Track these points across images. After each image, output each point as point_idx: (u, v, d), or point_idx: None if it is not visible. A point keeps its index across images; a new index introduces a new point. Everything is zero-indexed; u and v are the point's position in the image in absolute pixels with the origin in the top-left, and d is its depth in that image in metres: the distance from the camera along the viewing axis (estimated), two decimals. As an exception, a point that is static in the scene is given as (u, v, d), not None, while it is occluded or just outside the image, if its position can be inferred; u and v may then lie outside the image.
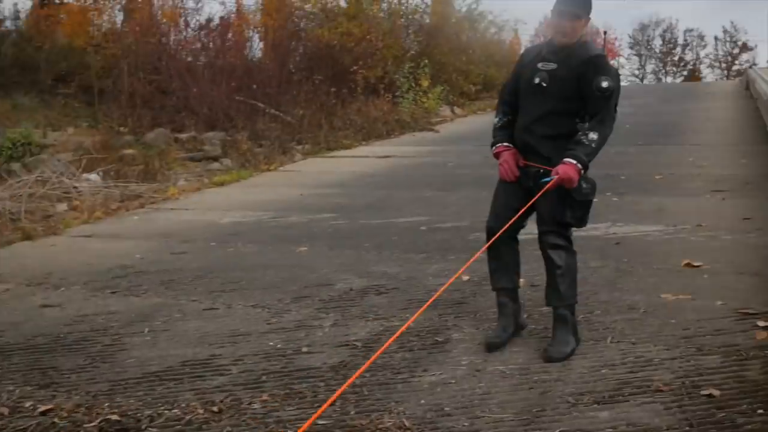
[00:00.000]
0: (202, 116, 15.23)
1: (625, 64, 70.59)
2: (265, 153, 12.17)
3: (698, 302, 4.17)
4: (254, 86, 15.81)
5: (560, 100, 3.45)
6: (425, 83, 16.77)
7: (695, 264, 4.87)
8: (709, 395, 3.03)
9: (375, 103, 15.11)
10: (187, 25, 17.51)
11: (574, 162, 3.32)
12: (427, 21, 20.75)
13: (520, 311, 3.81)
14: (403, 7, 20.08)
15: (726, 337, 3.65)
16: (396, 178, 9.36)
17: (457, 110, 19.22)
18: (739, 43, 63.27)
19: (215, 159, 12.61)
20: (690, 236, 5.67)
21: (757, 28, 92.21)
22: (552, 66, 3.47)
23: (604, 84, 3.34)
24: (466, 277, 4.87)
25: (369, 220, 6.88)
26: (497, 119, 3.73)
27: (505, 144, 3.63)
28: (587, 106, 3.40)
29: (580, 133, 3.38)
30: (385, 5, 20.19)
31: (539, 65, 3.51)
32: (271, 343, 3.88)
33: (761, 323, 3.78)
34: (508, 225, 3.49)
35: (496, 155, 3.66)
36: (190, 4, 18.99)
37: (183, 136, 14.67)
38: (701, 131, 12.41)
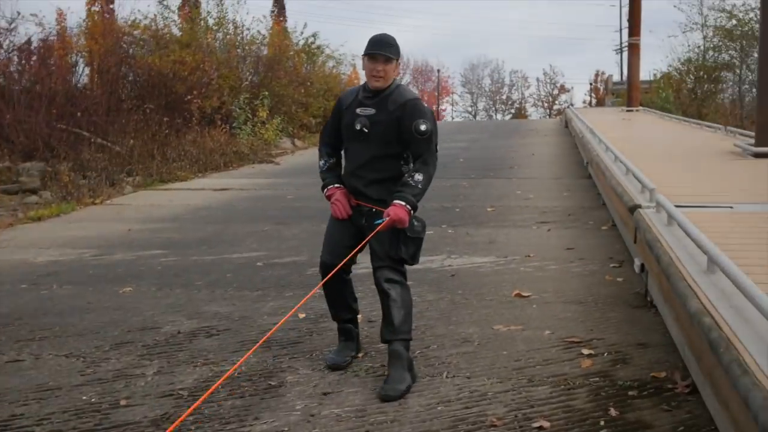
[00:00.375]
0: (19, 145, 14.03)
1: (459, 101, 74.45)
2: (90, 185, 11.38)
3: (528, 332, 4.27)
4: (78, 114, 14.83)
5: (382, 145, 3.56)
6: (263, 114, 16.54)
7: (524, 294, 5.02)
8: (540, 427, 3.05)
9: (211, 134, 14.65)
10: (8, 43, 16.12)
11: (404, 203, 3.44)
12: (265, 52, 20.60)
13: (359, 336, 3.98)
14: (239, 38, 19.78)
15: (554, 366, 3.74)
16: (232, 212, 9.05)
17: (298, 142, 19.17)
18: (558, 85, 68.75)
19: (33, 192, 11.63)
20: (519, 267, 5.88)
21: (572, 72, 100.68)
22: (370, 111, 3.57)
23: (423, 127, 3.49)
24: (302, 315, 4.72)
25: (202, 257, 6.55)
26: (322, 162, 3.83)
27: (336, 185, 3.73)
28: (410, 148, 3.55)
29: (406, 175, 3.52)
30: (220, 35, 19.81)
31: (358, 110, 3.60)
32: (85, 397, 3.49)
33: (585, 351, 3.93)
34: (344, 261, 3.61)
35: (328, 197, 3.74)
36: (2, 23, 17.40)
37: (-4, 166, 13.42)
38: (527, 165, 13.14)
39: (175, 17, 20.03)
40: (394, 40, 3.60)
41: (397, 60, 3.59)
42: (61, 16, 20.43)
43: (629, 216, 5.08)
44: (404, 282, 3.66)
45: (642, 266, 4.81)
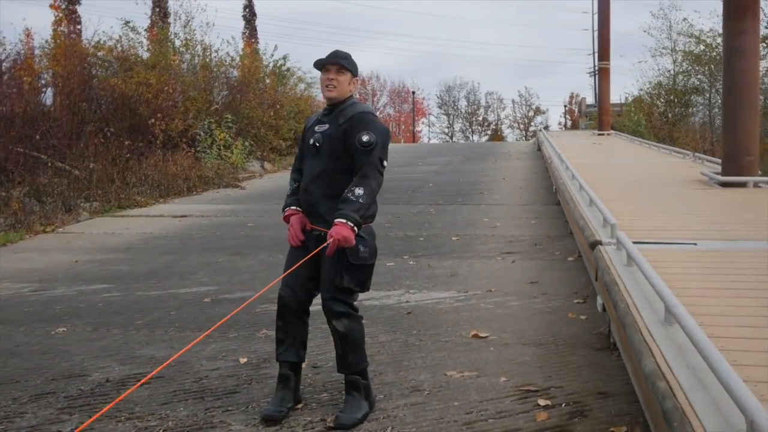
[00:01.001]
0: (-27, 168, 13.57)
1: (435, 123, 74.71)
2: (45, 212, 10.97)
3: (483, 379, 4.00)
4: (37, 137, 14.41)
5: (332, 159, 3.49)
6: (222, 137, 16.20)
7: (482, 335, 4.75)
8: (487, 497, 2.77)
9: (174, 158, 14.29)
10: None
11: (344, 221, 3.30)
12: (235, 74, 20.32)
13: (299, 385, 3.70)
14: (206, 60, 19.48)
15: (508, 420, 3.46)
16: (189, 241, 8.71)
17: (267, 165, 18.86)
18: (533, 107, 69.30)
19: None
20: (480, 302, 5.62)
21: (547, 94, 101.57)
22: (324, 127, 3.55)
23: (365, 138, 3.40)
24: (243, 360, 4.41)
25: (147, 291, 6.21)
26: (289, 186, 3.76)
27: (293, 208, 3.62)
28: (354, 161, 3.44)
29: (346, 190, 3.39)
30: (188, 56, 19.51)
31: (316, 128, 3.59)
32: (-13, 463, 3.15)
33: (542, 401, 3.65)
34: (280, 278, 3.52)
35: (286, 219, 3.65)
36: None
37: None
38: (497, 190, 12.95)
39: (143, 39, 19.73)
40: (349, 55, 3.59)
41: (352, 73, 3.56)
42: (28, 36, 20.08)
43: (590, 251, 4.84)
44: (352, 312, 3.49)
45: (604, 306, 4.56)
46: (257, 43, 30.59)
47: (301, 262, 3.43)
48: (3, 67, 16.66)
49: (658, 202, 7.14)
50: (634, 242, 4.36)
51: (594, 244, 4.75)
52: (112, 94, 16.25)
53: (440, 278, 6.49)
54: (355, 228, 3.30)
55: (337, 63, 3.50)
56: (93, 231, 9.54)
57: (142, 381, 3.34)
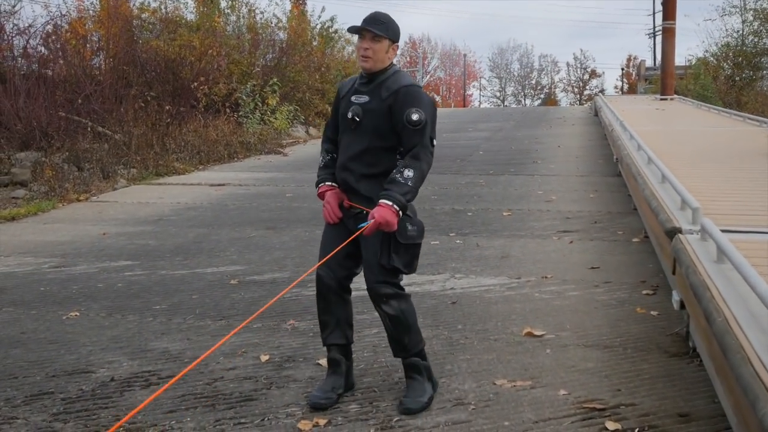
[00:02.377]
0: (16, 133, 13.39)
1: (487, 86, 73.14)
2: (83, 178, 10.68)
3: (538, 391, 3.41)
4: (79, 101, 14.14)
5: (375, 136, 3.21)
6: (272, 102, 15.69)
7: (537, 333, 4.14)
8: None
9: (215, 124, 13.85)
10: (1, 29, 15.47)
11: (390, 203, 3.05)
12: (281, 36, 19.74)
13: (352, 369, 3.49)
14: (252, 22, 18.93)
15: (569, 450, 2.88)
16: (222, 212, 8.26)
17: (313, 130, 18.35)
18: (589, 70, 67.11)
19: (24, 185, 10.97)
20: (534, 291, 4.99)
21: (603, 56, 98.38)
22: (364, 99, 3.24)
23: (414, 116, 3.12)
24: (265, 357, 3.91)
25: (172, 270, 5.76)
26: (321, 158, 3.50)
27: (328, 183, 3.37)
28: (401, 139, 3.18)
29: (395, 171, 3.14)
30: (233, 18, 18.98)
31: (353, 98, 3.28)
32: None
33: (610, 425, 3.05)
34: (321, 261, 3.26)
35: (321, 196, 3.39)
36: (5, 6, 16.75)
37: (-10, 156, 12.79)
38: (553, 160, 12.17)
39: (189, 0, 19.25)
40: (387, 17, 3.23)
41: (391, 40, 3.20)
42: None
43: (666, 240, 4.16)
44: (401, 293, 3.26)
45: (682, 303, 3.90)
46: (305, 4, 29.88)
47: (341, 246, 3.19)
48: (48, 30, 16.45)
49: (738, 178, 6.33)
50: (721, 230, 3.68)
51: (672, 232, 4.06)
52: (155, 57, 15.88)
53: (490, 260, 5.87)
54: (400, 212, 3.07)
55: (372, 31, 3.13)
56: (127, 200, 9.18)
57: (157, 393, 2.86)
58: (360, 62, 3.23)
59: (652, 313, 4.46)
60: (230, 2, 19.54)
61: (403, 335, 3.26)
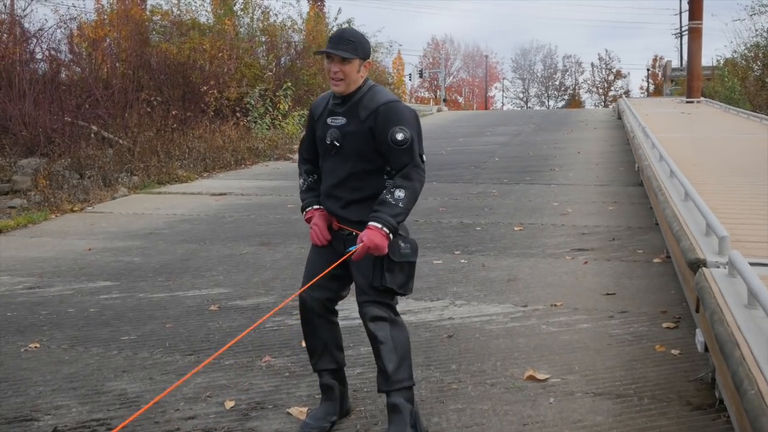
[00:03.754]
0: (21, 138, 13.14)
1: (510, 87, 72.39)
2: (83, 186, 10.36)
3: (536, 455, 2.92)
4: (86, 105, 13.87)
5: (358, 159, 3.01)
6: (284, 107, 15.30)
7: (540, 377, 3.65)
8: None
9: (222, 129, 13.47)
10: (20, 31, 15.27)
11: (380, 226, 2.89)
12: (296, 39, 19.37)
13: (347, 394, 3.31)
14: (266, 24, 18.57)
15: None
16: (217, 226, 7.84)
17: (325, 135, 17.94)
18: (614, 71, 66.10)
19: (25, 192, 10.68)
20: (541, 323, 4.50)
21: (629, 57, 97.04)
22: (341, 121, 3.04)
23: (399, 136, 2.93)
24: (230, 403, 3.47)
25: (151, 293, 5.35)
26: (301, 181, 3.30)
27: (315, 207, 3.18)
28: (389, 160, 2.98)
29: (384, 191, 2.96)
30: (246, 20, 18.65)
31: (329, 120, 3.07)
32: None
33: (619, 504, 2.56)
34: (303, 288, 3.08)
35: (307, 220, 3.20)
36: (18, 11, 16.57)
37: (-6, 162, 12.54)
38: (571, 167, 11.61)
39: (205, 2, 18.94)
40: (356, 35, 3.03)
41: (362, 59, 2.99)
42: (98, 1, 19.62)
43: (690, 271, 3.64)
44: (394, 318, 3.06)
45: (706, 346, 3.39)
46: (323, 5, 29.52)
47: (327, 270, 3.02)
48: (59, 34, 16.26)
49: (770, 194, 5.77)
50: (752, 263, 3.17)
51: (695, 264, 3.54)
52: (164, 61, 15.58)
53: (495, 284, 5.38)
54: (391, 235, 2.91)
55: (340, 53, 2.91)
56: (122, 211, 8.81)
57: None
58: (332, 86, 3.01)
59: (672, 352, 3.94)
60: (243, 4, 19.24)
61: (389, 363, 3.01)
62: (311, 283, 3.05)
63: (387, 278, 2.96)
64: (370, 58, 3.08)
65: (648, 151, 8.20)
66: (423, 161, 3.00)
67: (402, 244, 2.98)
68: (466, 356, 3.99)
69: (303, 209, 3.22)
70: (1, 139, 13.35)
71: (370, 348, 4.04)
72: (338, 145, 3.02)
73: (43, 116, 13.28)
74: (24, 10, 17.43)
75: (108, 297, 5.28)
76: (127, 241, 7.16)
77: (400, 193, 2.92)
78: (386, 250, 2.91)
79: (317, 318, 3.13)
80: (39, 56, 15.40)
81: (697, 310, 3.46)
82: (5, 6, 16.31)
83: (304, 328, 3.18)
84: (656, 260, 5.87)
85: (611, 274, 5.54)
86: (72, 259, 6.47)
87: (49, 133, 12.99)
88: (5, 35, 16.13)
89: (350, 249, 2.94)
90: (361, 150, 2.99)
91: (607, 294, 5.03)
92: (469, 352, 4.06)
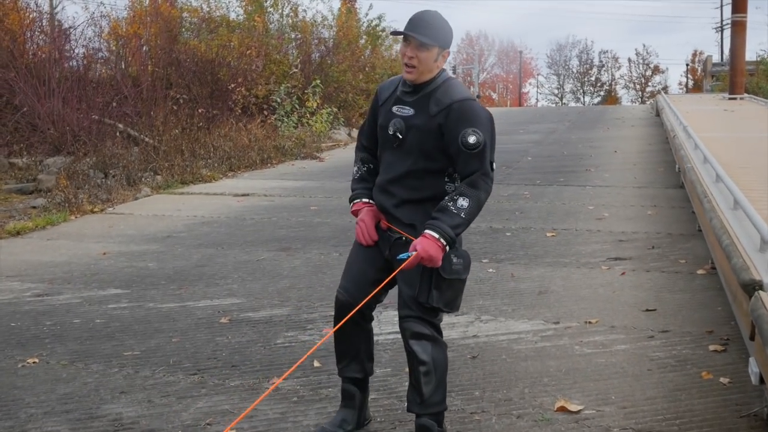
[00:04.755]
0: (49, 137, 13.10)
1: (545, 83, 71.39)
2: (106, 186, 10.21)
3: (567, 505, 2.58)
4: (113, 104, 13.77)
5: (420, 156, 2.77)
6: (312, 104, 15.03)
7: (573, 409, 3.29)
8: None
9: (248, 128, 13.25)
10: (55, 29, 15.28)
11: (437, 236, 2.65)
12: (325, 35, 19.10)
13: (367, 403, 3.13)
14: (294, 20, 18.34)
15: None
16: (237, 229, 7.58)
17: (355, 133, 17.64)
18: (651, 66, 64.73)
19: (48, 191, 10.57)
20: (574, 343, 4.13)
21: (667, 52, 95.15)
22: (408, 111, 2.79)
23: (472, 139, 2.68)
24: (230, 434, 3.17)
25: (160, 303, 5.10)
26: (355, 169, 3.06)
27: (364, 200, 2.96)
28: (455, 164, 2.74)
29: (447, 197, 2.71)
30: (276, 16, 18.43)
31: (394, 109, 2.82)
32: None
33: None
34: (357, 307, 2.84)
35: (355, 213, 2.98)
36: (45, 7, 16.62)
37: (21, 161, 12.51)
38: (607, 167, 11.14)
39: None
40: (437, 19, 2.74)
41: (441, 47, 2.73)
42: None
43: (743, 294, 3.25)
44: (438, 338, 2.85)
45: (761, 377, 3.01)
46: (355, 1, 29.22)
47: (378, 288, 2.82)
48: (91, 32, 16.23)
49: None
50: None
51: (750, 286, 3.15)
52: (193, 58, 15.44)
53: (525, 297, 5.02)
54: (447, 247, 2.67)
55: (418, 38, 2.68)
56: (142, 212, 8.62)
57: None
58: (404, 72, 2.77)
59: (721, 380, 3.55)
60: (273, 0, 19.02)
61: (426, 385, 2.81)
62: (358, 306, 2.83)
63: (434, 296, 2.74)
64: (448, 48, 2.79)
65: (690, 153, 7.74)
66: (493, 169, 2.76)
67: (454, 260, 2.74)
68: (491, 381, 3.65)
69: (351, 200, 3.01)
70: (30, 138, 13.34)
71: (386, 369, 3.77)
72: (401, 137, 2.79)
73: (71, 114, 13.22)
74: (55, 8, 17.48)
75: (116, 307, 5.04)
76: (144, 245, 6.94)
77: (463, 202, 2.67)
78: (440, 263, 2.67)
79: (352, 323, 2.90)
80: (70, 54, 15.38)
81: (752, 338, 3.07)
82: (36, 4, 16.35)
83: (336, 332, 2.97)
84: (700, 271, 5.45)
85: (651, 287, 5.14)
86: (85, 264, 6.26)
87: (76, 131, 12.92)
88: (37, 33, 16.17)
89: (401, 257, 2.70)
90: (426, 147, 2.75)
91: (647, 310, 4.64)
92: (494, 376, 3.71)
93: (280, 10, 18.82)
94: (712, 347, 3.98)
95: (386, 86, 2.95)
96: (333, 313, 3.02)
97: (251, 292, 5.31)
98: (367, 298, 2.83)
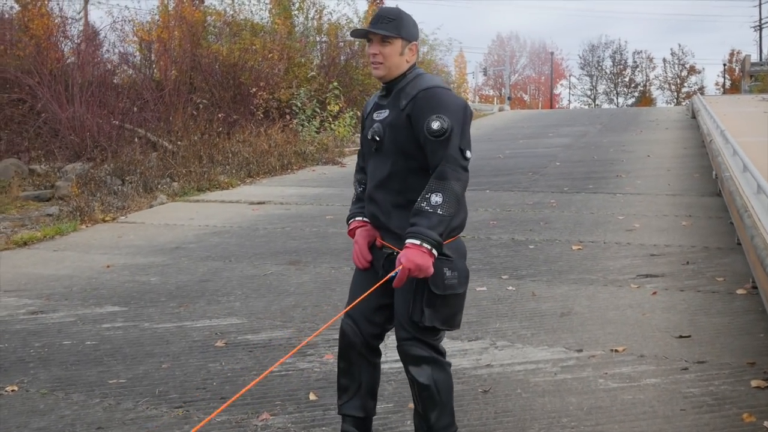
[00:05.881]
0: (69, 143, 13.01)
1: (577, 84, 70.41)
2: (122, 193, 10.04)
3: None
4: (135, 109, 13.65)
5: (399, 156, 2.63)
6: (334, 108, 14.74)
7: (594, 458, 2.91)
8: None
9: (268, 133, 12.99)
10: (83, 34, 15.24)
11: (418, 242, 2.46)
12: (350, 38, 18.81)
13: None
14: (319, 23, 18.09)
15: None
16: (249, 240, 7.30)
17: (380, 137, 17.36)
18: (687, 66, 63.39)
19: (61, 199, 10.44)
20: (598, 375, 3.74)
21: (703, 51, 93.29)
22: (384, 113, 2.69)
23: (435, 125, 2.52)
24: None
25: (156, 323, 4.81)
26: (354, 190, 2.94)
27: (359, 219, 2.83)
28: (426, 155, 2.58)
29: (419, 198, 2.53)
30: (301, 19, 18.19)
31: (374, 115, 2.74)
32: None
33: None
34: (332, 321, 2.95)
35: (351, 234, 2.85)
36: (70, 12, 16.59)
37: (40, 167, 12.42)
38: (639, 173, 10.65)
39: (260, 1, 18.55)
40: (398, 13, 2.66)
41: (406, 39, 2.63)
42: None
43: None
44: (439, 358, 2.65)
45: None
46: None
47: (365, 294, 2.63)
48: (114, 37, 16.16)
49: None
50: None
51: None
52: (215, 62, 15.26)
53: (546, 319, 4.63)
54: (434, 251, 2.46)
55: (380, 32, 2.58)
56: (154, 221, 8.39)
57: None
58: (372, 71, 2.70)
59: (765, 425, 3.13)
60: (298, 3, 18.79)
61: (431, 411, 2.63)
62: (346, 308, 2.74)
63: (426, 315, 2.55)
64: (417, 40, 2.68)
65: (728, 160, 7.26)
66: (465, 158, 2.55)
67: (447, 273, 2.54)
68: (503, 421, 3.27)
69: (347, 220, 2.89)
70: (51, 144, 13.27)
71: (388, 404, 3.42)
72: (378, 140, 2.67)
73: (92, 120, 13.11)
74: (78, 13, 17.47)
75: (110, 326, 4.77)
76: (150, 256, 6.69)
77: (437, 198, 2.48)
78: (431, 270, 2.47)
79: (357, 356, 2.76)
80: (97, 59, 15.31)
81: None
82: (60, 9, 16.34)
83: (339, 363, 2.81)
84: (740, 291, 5.00)
85: (685, 309, 4.71)
86: (87, 277, 6.02)
87: (96, 137, 12.81)
88: (61, 38, 16.15)
89: (392, 275, 2.51)
90: (401, 144, 2.61)
91: (680, 336, 4.22)
92: (507, 414, 3.34)
93: (305, 13, 18.58)
94: (754, 383, 3.55)
95: (370, 99, 2.88)
96: (337, 337, 2.83)
97: (253, 311, 4.99)
98: (353, 304, 2.68)
